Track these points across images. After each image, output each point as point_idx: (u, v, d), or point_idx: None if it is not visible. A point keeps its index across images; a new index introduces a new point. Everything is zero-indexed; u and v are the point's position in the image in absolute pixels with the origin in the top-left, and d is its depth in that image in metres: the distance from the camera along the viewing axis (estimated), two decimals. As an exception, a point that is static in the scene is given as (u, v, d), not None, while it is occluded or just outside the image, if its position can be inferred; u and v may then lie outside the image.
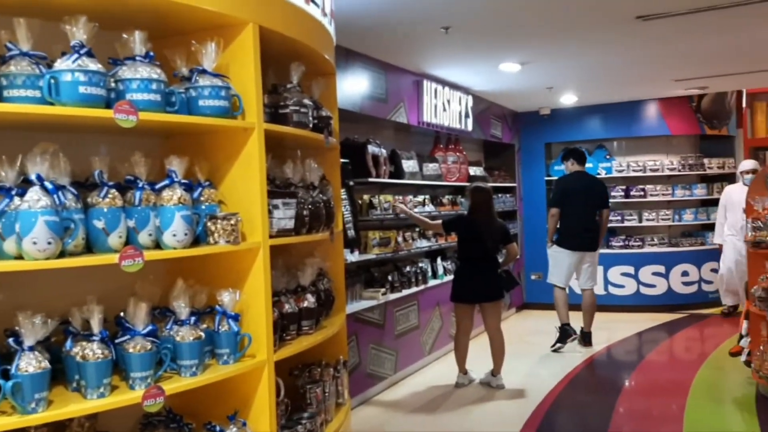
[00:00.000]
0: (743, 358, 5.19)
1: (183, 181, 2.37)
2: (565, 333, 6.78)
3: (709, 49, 5.96)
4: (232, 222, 2.42)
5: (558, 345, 6.75)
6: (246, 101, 2.51)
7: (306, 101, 2.92)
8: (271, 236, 2.62)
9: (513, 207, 9.08)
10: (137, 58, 2.24)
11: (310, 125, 2.96)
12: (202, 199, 2.48)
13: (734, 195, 7.51)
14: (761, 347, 4.68)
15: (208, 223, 2.40)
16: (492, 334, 5.68)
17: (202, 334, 2.35)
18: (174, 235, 2.26)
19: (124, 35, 2.25)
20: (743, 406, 4.85)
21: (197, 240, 2.41)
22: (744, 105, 9.21)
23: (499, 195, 8.45)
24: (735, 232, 7.51)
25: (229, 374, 2.41)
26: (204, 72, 2.40)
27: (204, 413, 2.58)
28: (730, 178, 8.87)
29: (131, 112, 2.11)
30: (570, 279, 6.96)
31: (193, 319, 2.37)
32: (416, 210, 6.22)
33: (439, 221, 5.81)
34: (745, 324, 5.22)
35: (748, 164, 7.66)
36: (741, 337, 5.31)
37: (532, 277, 9.23)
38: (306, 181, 3.03)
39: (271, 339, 2.57)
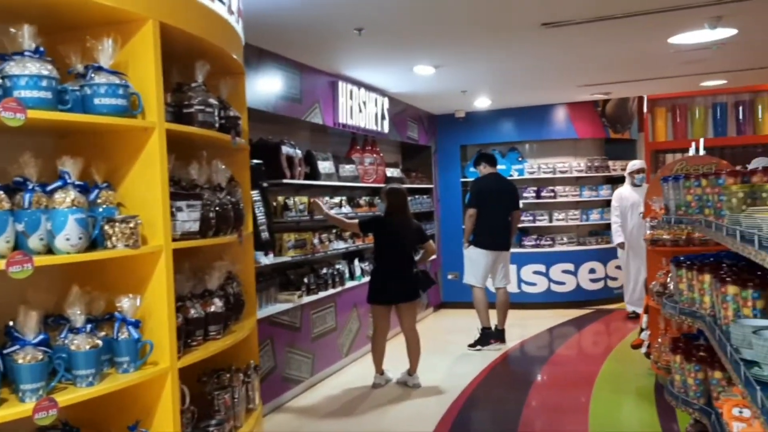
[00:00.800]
0: (644, 350, 5.47)
1: (77, 182, 2.27)
2: (485, 337, 6.93)
3: (610, 56, 6.23)
4: (132, 225, 2.33)
5: (478, 347, 6.89)
6: (146, 100, 2.43)
7: (212, 101, 2.86)
8: (174, 239, 2.55)
9: (430, 208, 9.20)
10: (26, 53, 2.13)
11: (217, 125, 2.90)
12: (99, 201, 2.38)
13: (630, 198, 7.68)
14: (659, 340, 4.94)
15: (106, 227, 2.31)
16: (407, 334, 5.74)
17: (100, 342, 2.26)
18: (67, 240, 2.16)
19: (12, 29, 2.14)
20: (643, 395, 5.12)
21: (94, 244, 2.31)
22: (645, 110, 9.73)
23: (416, 196, 8.56)
24: (638, 234, 7.52)
25: (129, 383, 2.32)
26: (100, 69, 2.31)
27: (104, 424, 2.48)
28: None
29: (19, 110, 2.00)
30: (486, 278, 7.10)
31: (89, 326, 2.27)
32: (333, 211, 6.20)
33: (356, 221, 5.81)
34: (645, 318, 5.51)
35: (636, 164, 7.88)
36: (641, 330, 5.60)
37: (449, 276, 9.38)
38: (212, 182, 2.97)
39: (175, 345, 2.50)
